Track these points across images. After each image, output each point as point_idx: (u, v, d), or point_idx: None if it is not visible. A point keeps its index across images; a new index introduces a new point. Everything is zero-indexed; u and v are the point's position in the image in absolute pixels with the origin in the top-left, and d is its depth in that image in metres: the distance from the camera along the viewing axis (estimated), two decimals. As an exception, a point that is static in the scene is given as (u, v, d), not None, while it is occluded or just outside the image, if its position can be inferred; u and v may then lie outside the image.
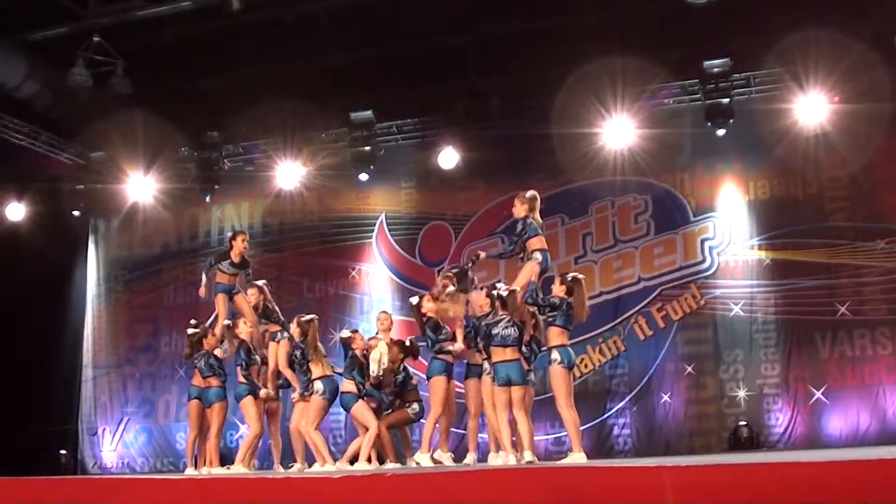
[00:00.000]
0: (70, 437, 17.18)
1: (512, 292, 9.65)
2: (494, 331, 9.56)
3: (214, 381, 11.20)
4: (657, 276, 14.94)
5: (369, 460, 10.69)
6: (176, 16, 13.29)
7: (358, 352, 10.85)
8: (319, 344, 10.83)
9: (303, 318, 10.83)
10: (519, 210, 10.25)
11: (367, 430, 10.58)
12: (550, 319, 9.55)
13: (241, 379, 10.97)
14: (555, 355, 9.40)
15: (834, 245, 14.20)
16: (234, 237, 11.87)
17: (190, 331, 11.72)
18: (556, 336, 9.50)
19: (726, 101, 14.21)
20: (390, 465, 10.68)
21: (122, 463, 17.08)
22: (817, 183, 14.52)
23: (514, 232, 10.30)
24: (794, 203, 14.59)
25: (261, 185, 16.92)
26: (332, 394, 10.67)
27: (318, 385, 10.61)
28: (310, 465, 11.02)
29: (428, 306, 10.50)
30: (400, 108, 15.68)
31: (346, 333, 11.32)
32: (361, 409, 10.69)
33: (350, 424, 15.60)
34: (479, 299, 10.10)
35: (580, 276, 9.87)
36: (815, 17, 12.57)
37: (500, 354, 9.51)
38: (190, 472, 11.51)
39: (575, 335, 14.19)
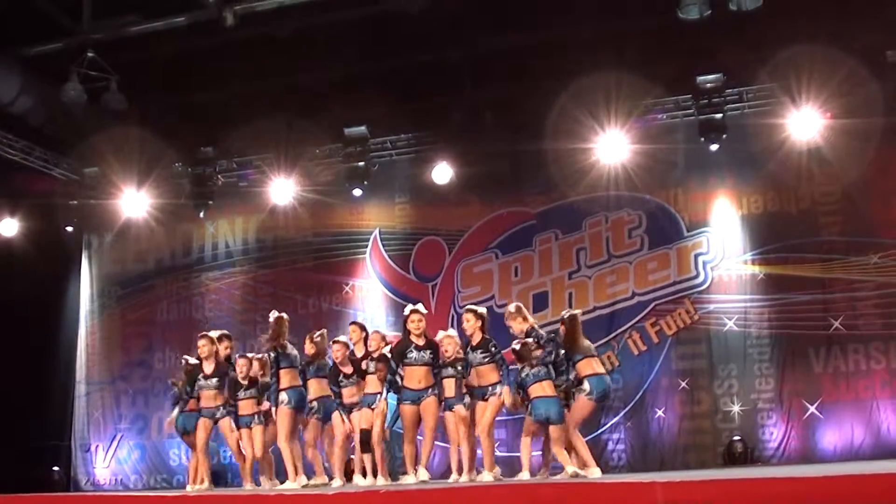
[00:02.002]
0: (63, 454, 17.13)
1: (524, 344, 9.96)
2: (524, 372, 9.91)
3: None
4: (651, 290, 14.95)
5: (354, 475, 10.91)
6: (170, 31, 13.29)
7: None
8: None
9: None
10: (521, 324, 10.40)
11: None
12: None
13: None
14: (584, 385, 9.80)
15: (827, 259, 14.23)
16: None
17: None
18: (585, 366, 9.85)
19: (719, 116, 14.24)
20: (381, 482, 10.74)
21: (116, 480, 17.02)
22: (810, 198, 14.56)
23: (538, 340, 10.23)
24: (787, 218, 14.62)
25: (255, 200, 16.92)
26: (299, 403, 11.02)
27: (283, 395, 10.97)
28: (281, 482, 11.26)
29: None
30: (394, 123, 15.70)
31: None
32: (336, 420, 11.08)
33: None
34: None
35: (576, 312, 10.38)
36: (807, 33, 12.62)
37: (538, 391, 9.72)
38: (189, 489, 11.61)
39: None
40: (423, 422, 10.17)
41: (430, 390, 10.12)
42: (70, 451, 17.29)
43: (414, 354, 10.16)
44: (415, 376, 10.12)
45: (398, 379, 10.23)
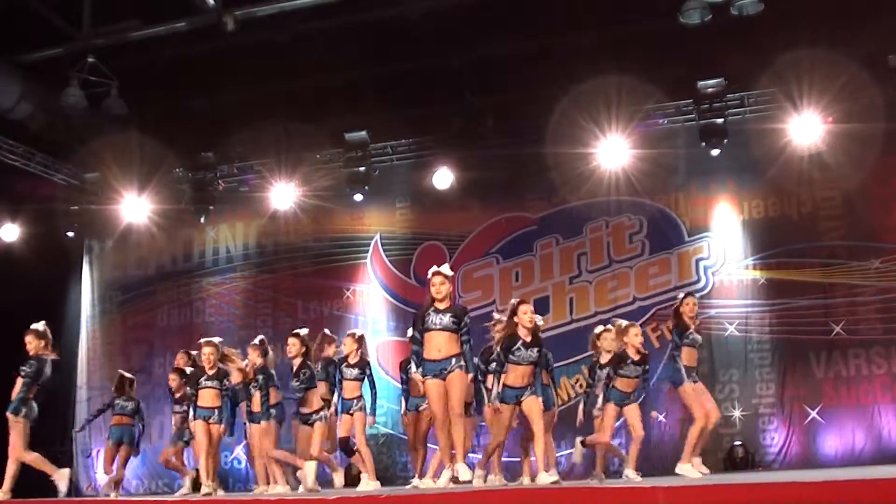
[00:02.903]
0: (64, 459, 17.04)
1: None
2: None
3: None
4: (652, 295, 14.94)
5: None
6: (171, 36, 13.28)
7: None
8: None
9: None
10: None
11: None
12: None
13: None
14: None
15: (828, 264, 14.23)
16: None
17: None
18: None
19: (720, 121, 14.24)
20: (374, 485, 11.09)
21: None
22: (811, 202, 14.57)
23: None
24: (788, 222, 14.62)
25: (255, 205, 16.93)
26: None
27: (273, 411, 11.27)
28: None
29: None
30: (394, 128, 15.68)
31: None
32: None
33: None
34: None
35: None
36: (808, 38, 12.61)
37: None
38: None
39: (569, 355, 14.31)
40: (448, 400, 8.85)
41: (453, 360, 8.85)
42: (71, 457, 17.26)
43: (432, 318, 8.97)
44: (434, 344, 8.88)
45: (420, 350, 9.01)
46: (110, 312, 18.08)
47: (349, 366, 11.35)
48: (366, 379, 11.32)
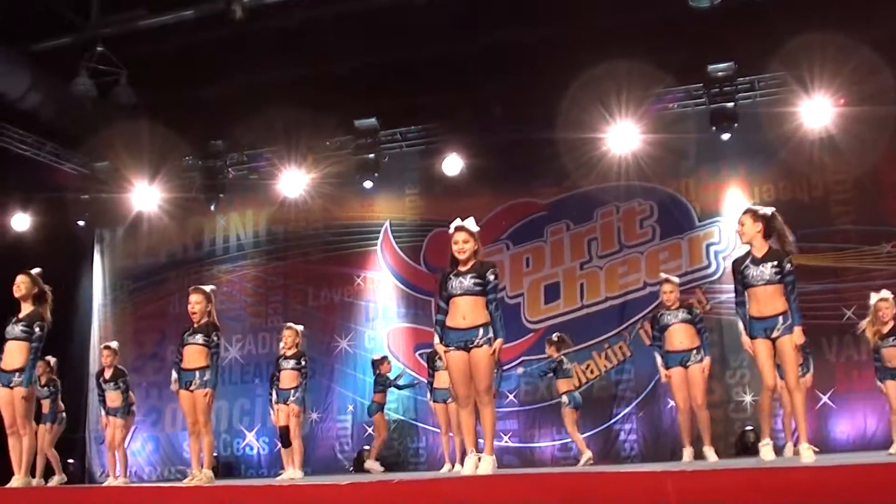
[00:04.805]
0: (77, 446, 17.17)
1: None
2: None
3: None
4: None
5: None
6: (179, 25, 13.30)
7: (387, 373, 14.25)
8: None
9: None
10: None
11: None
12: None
13: None
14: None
15: (840, 249, 14.16)
16: None
17: None
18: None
19: (731, 105, 14.20)
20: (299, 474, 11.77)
21: (130, 472, 16.98)
22: (823, 186, 14.51)
23: None
24: (799, 207, 14.54)
25: (265, 193, 16.96)
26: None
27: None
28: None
29: None
30: (404, 115, 15.69)
31: (377, 357, 14.71)
32: (379, 419, 14.16)
33: (357, 432, 15.71)
34: None
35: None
36: (819, 21, 12.53)
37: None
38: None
39: (581, 341, 14.31)
40: (473, 380, 7.62)
41: (480, 331, 7.62)
42: (84, 444, 17.36)
43: (453, 282, 7.81)
44: (458, 310, 7.68)
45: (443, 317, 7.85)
46: (122, 301, 18.14)
47: (286, 357, 11.67)
48: (302, 370, 11.86)
